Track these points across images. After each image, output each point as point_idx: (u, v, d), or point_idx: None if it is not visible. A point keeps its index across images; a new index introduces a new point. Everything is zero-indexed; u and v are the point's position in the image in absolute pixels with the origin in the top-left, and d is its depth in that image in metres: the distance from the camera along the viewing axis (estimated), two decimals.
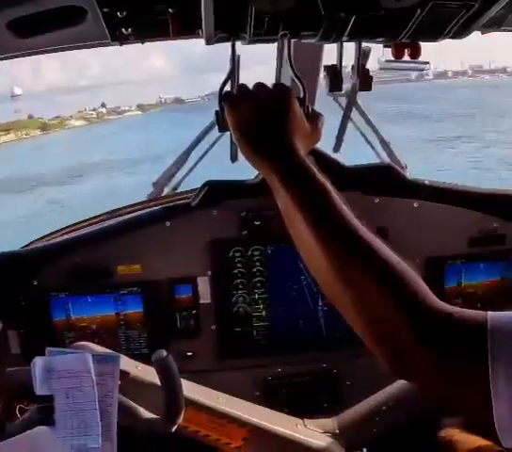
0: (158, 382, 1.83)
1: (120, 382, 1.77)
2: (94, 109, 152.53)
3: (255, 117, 1.40)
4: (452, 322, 1.05)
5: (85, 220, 3.12)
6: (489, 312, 1.05)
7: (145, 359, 2.60)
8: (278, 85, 1.52)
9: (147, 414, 1.86)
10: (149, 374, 1.96)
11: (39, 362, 1.74)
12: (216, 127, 1.57)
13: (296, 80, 1.59)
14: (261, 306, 2.74)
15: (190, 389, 2.02)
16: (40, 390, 1.72)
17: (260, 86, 1.48)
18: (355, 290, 1.15)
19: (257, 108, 1.41)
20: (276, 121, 1.39)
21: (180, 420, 1.81)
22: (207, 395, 2.10)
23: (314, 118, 1.50)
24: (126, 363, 1.96)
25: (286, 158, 1.32)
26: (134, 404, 1.86)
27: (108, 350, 1.99)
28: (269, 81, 1.61)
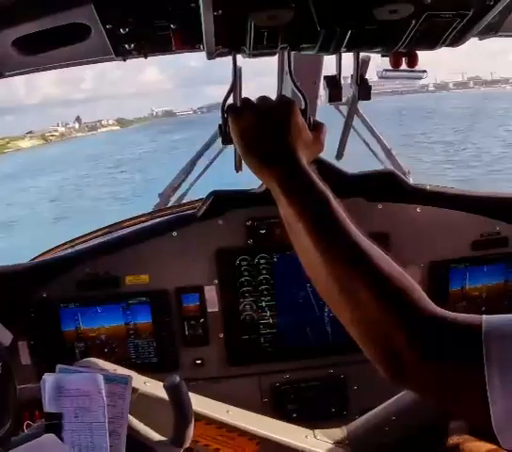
0: (166, 397, 1.84)
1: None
2: (66, 125, 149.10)
3: (258, 127, 1.41)
4: (446, 326, 1.06)
5: (92, 232, 3.15)
6: (484, 315, 1.05)
7: (154, 368, 2.63)
8: (280, 97, 1.53)
9: (156, 436, 1.86)
10: (157, 389, 1.97)
11: (49, 379, 1.74)
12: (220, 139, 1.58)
13: (296, 91, 1.61)
14: (268, 313, 2.76)
15: (200, 403, 2.02)
16: (48, 407, 1.72)
17: (263, 98, 1.49)
18: (352, 298, 1.15)
19: (260, 119, 1.41)
20: (278, 130, 1.39)
21: (187, 445, 1.82)
22: (216, 409, 2.10)
23: (317, 128, 1.50)
24: (134, 379, 1.97)
25: (287, 167, 1.33)
26: (143, 426, 1.87)
27: (118, 367, 2.00)
28: (270, 93, 1.63)
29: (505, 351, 0.98)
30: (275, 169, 1.34)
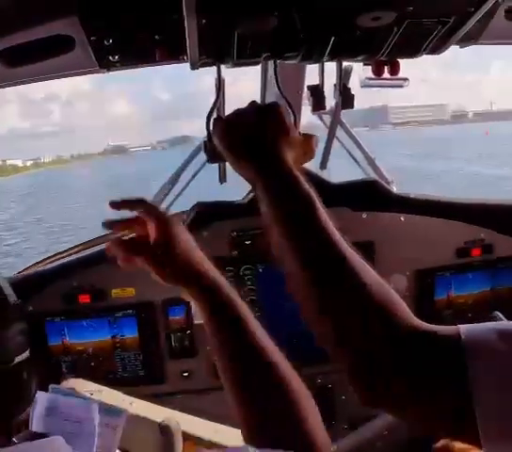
0: (152, 418, 1.83)
1: None
2: (4, 161, 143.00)
3: (241, 125, 1.37)
4: (427, 340, 1.04)
5: (76, 246, 3.14)
6: (460, 325, 1.04)
7: (141, 380, 2.62)
8: (266, 103, 1.47)
9: None
10: (143, 410, 1.96)
11: (41, 398, 1.72)
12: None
13: (284, 102, 1.60)
14: None
15: (188, 423, 2.02)
16: (36, 427, 1.69)
17: (250, 103, 1.44)
18: (332, 309, 1.12)
19: (243, 118, 1.38)
20: (261, 127, 1.36)
21: None
22: (204, 428, 2.09)
23: (308, 135, 1.46)
24: (120, 401, 1.95)
25: (271, 163, 1.30)
26: None
27: (104, 388, 1.98)
28: None
29: (490, 367, 0.97)
30: (258, 165, 1.31)
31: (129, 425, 1.87)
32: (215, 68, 1.54)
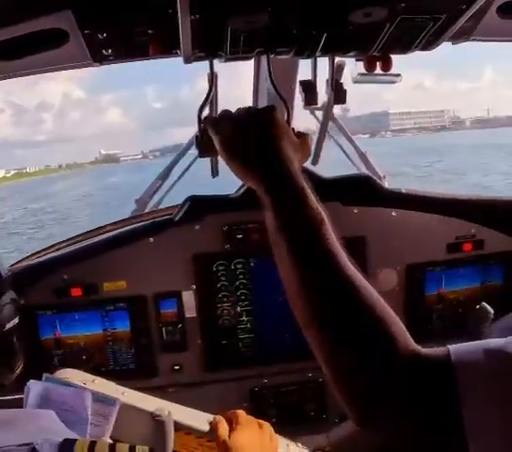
0: (144, 407, 1.84)
1: None
2: None
3: (241, 134, 1.34)
4: (422, 365, 1.05)
5: (70, 239, 3.14)
6: (449, 346, 1.05)
7: (132, 374, 2.62)
8: (259, 107, 1.44)
9: None
10: (135, 400, 1.96)
11: (34, 387, 1.73)
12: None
13: (278, 97, 1.60)
14: (245, 318, 2.77)
15: (180, 413, 2.02)
16: None
17: (241, 107, 1.42)
18: (329, 328, 1.13)
19: (242, 126, 1.35)
20: (264, 135, 1.32)
21: None
22: (196, 419, 2.10)
23: (302, 134, 1.43)
24: (112, 390, 1.96)
25: (277, 173, 1.26)
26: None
27: (97, 378, 1.98)
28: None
29: (476, 384, 0.99)
30: (263, 176, 1.28)
31: (121, 414, 1.88)
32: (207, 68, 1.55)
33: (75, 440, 1.26)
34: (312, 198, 1.22)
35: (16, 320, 1.77)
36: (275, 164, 1.28)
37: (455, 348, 1.05)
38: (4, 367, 1.71)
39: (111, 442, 1.75)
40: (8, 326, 1.71)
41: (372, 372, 1.08)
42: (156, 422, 1.80)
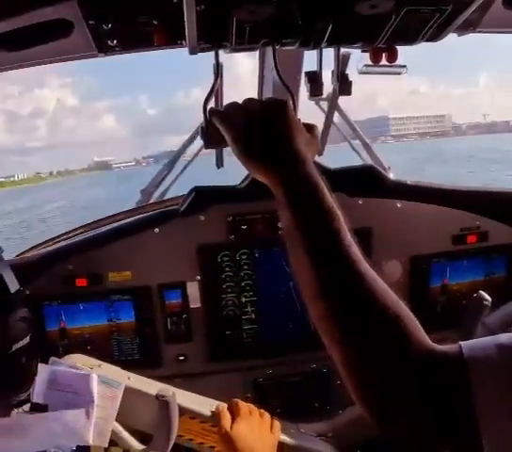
0: (149, 391, 1.85)
1: None
2: None
3: (253, 127, 1.32)
4: (436, 362, 1.05)
5: (75, 229, 3.15)
6: (461, 342, 1.05)
7: (137, 364, 2.63)
8: (268, 98, 1.44)
9: (136, 445, 1.89)
10: (140, 384, 1.98)
11: (42, 370, 1.74)
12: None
13: (283, 87, 1.61)
14: (249, 309, 2.77)
15: (184, 398, 2.04)
16: (36, 397, 1.72)
17: (249, 100, 1.40)
18: (346, 325, 1.12)
19: (252, 118, 1.33)
20: (276, 128, 1.31)
21: None
22: (200, 404, 2.11)
23: (311, 127, 1.42)
24: (118, 375, 1.97)
25: (295, 174, 1.25)
26: (126, 434, 1.89)
27: (102, 363, 2.00)
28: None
29: (490, 380, 0.99)
30: (280, 175, 1.26)
31: (126, 398, 1.90)
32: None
33: (88, 447, 1.28)
34: (328, 194, 1.23)
35: (27, 340, 1.76)
36: (292, 163, 1.27)
37: (466, 344, 1.05)
38: (11, 390, 1.72)
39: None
40: (16, 346, 1.71)
41: (385, 367, 1.08)
42: (161, 402, 1.82)
